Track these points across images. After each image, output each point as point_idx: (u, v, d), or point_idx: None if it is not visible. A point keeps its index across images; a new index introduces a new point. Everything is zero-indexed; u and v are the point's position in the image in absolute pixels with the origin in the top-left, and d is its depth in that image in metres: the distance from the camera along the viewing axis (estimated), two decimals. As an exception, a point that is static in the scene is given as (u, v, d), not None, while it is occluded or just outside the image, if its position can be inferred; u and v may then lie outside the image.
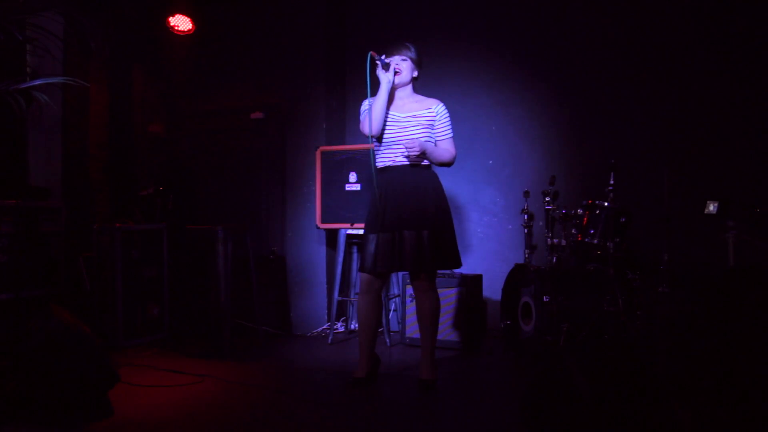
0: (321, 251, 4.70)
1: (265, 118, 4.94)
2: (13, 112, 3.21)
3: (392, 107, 3.25)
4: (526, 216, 4.09)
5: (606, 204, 3.69)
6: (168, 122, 5.44)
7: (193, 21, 4.84)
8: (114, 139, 5.10)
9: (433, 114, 3.21)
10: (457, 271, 3.91)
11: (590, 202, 3.75)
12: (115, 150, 5.12)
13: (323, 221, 4.44)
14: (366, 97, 3.19)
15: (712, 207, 3.46)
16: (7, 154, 4.04)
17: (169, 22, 4.78)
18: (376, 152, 3.28)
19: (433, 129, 3.22)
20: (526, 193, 4.11)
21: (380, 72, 3.15)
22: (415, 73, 3.27)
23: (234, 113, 5.17)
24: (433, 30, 4.71)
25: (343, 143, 4.85)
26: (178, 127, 5.43)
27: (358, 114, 3.35)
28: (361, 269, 3.19)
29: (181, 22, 4.81)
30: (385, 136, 3.21)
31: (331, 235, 4.65)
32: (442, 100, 3.29)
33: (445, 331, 3.99)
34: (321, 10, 4.76)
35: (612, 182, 3.72)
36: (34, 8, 3.26)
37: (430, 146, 3.16)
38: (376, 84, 3.13)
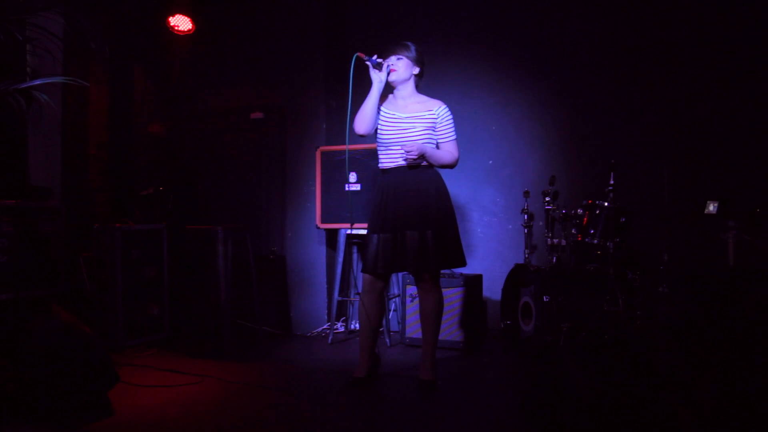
0: (321, 251, 4.70)
1: (265, 118, 4.94)
2: (13, 112, 3.21)
3: (394, 107, 3.22)
4: (526, 216, 4.09)
5: (606, 204, 3.69)
6: (168, 122, 5.44)
7: (193, 21, 4.84)
8: (114, 139, 5.10)
9: (434, 116, 3.17)
10: (457, 271, 3.92)
11: (590, 202, 3.75)
12: (115, 150, 5.13)
13: (323, 221, 4.44)
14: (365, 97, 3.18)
15: (712, 207, 3.47)
16: (7, 154, 4.04)
17: (169, 22, 4.78)
18: (378, 153, 3.27)
19: (434, 131, 3.19)
20: (526, 193, 4.11)
21: (373, 72, 3.15)
22: (416, 71, 3.21)
23: (234, 113, 5.17)
24: (433, 30, 4.71)
25: (343, 143, 4.84)
26: (178, 127, 5.43)
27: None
28: (363, 270, 3.21)
29: (181, 22, 4.81)
30: (386, 137, 3.18)
31: (331, 235, 4.66)
32: (442, 100, 3.26)
33: (446, 331, 3.98)
34: (321, 10, 4.76)
35: (612, 182, 3.72)
36: (34, 8, 3.25)
37: (429, 149, 3.13)
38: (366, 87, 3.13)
